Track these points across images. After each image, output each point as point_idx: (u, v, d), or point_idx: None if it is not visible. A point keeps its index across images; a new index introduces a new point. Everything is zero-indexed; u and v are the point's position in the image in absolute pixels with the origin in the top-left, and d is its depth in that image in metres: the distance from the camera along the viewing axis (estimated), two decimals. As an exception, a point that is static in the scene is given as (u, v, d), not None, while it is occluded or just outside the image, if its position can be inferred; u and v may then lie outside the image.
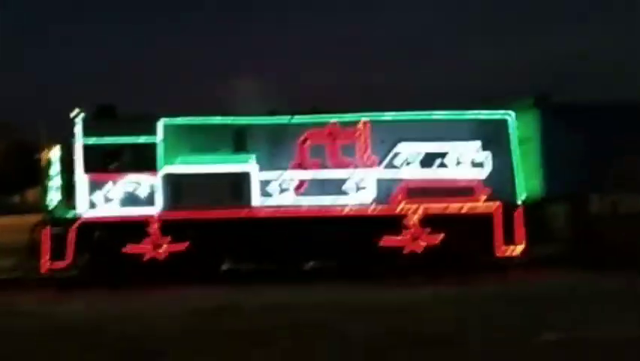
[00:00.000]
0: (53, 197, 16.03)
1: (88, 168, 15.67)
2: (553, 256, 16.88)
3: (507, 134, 16.70)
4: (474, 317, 10.36)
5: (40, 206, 16.66)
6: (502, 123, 16.76)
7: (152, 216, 15.66)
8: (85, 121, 15.85)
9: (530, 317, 10.21)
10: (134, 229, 15.59)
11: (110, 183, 15.73)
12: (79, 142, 15.76)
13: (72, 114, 15.91)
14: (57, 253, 15.44)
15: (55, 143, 16.63)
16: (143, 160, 15.73)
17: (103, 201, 15.69)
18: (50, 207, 15.95)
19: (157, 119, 16.03)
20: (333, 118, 16.45)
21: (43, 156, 16.29)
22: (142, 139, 15.82)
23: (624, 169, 16.66)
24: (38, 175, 16.24)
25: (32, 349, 8.95)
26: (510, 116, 16.81)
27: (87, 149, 15.71)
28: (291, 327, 9.89)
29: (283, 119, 16.44)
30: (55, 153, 16.26)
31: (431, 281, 14.79)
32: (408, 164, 16.37)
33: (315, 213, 15.92)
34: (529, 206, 16.57)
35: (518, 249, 16.25)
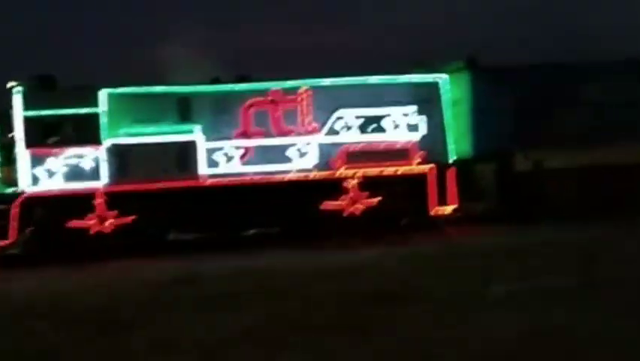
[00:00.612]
0: (-7, 172, 15.74)
1: (29, 142, 15.40)
2: (483, 214, 17.99)
3: (439, 97, 17.44)
4: (423, 275, 11.10)
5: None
6: (435, 86, 17.47)
7: (97, 190, 15.64)
8: (23, 93, 15.49)
9: (474, 271, 11.04)
10: (79, 203, 15.55)
11: (53, 157, 15.56)
12: (18, 115, 15.42)
13: (9, 85, 15.50)
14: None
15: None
16: (85, 132, 15.59)
17: (46, 176, 15.53)
18: (-10, 184, 15.67)
19: (98, 89, 15.85)
20: (275, 85, 16.71)
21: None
22: (84, 110, 15.64)
23: (547, 127, 17.78)
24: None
25: (2, 330, 8.96)
26: (442, 79, 17.52)
27: (27, 122, 15.41)
28: (255, 292, 10.27)
29: (226, 86, 16.57)
30: (-7, 127, 15.88)
31: (371, 243, 15.56)
32: (347, 129, 16.91)
33: (260, 180, 16.30)
34: (460, 166, 17.50)
35: (451, 208, 17.21)
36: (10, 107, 15.63)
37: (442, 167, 17.18)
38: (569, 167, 17.80)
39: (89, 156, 15.68)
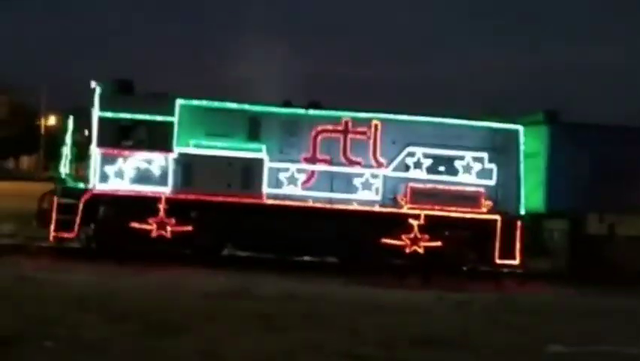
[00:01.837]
0: (64, 167, 16.15)
1: (102, 142, 15.78)
2: (549, 272, 17.24)
3: (515, 147, 16.98)
4: (481, 323, 10.60)
5: (34, 174, 16.75)
6: (512, 135, 17.05)
7: (161, 195, 15.80)
8: (102, 94, 15.95)
9: (535, 327, 10.46)
10: (143, 206, 15.73)
11: (123, 158, 15.87)
12: (95, 115, 15.87)
13: (92, 86, 15.99)
14: (65, 224, 15.55)
15: (68, 113, 16.75)
16: (157, 139, 15.87)
17: (114, 175, 15.83)
18: (61, 177, 16.06)
19: (174, 98, 16.17)
20: (347, 115, 16.66)
21: (43, 123, 16.40)
22: (159, 117, 15.95)
23: (625, 192, 17.02)
24: (36, 142, 16.27)
25: (61, 316, 9.01)
26: (520, 129, 17.10)
27: (103, 122, 15.82)
28: (303, 316, 10.08)
29: (298, 110, 16.64)
30: (69, 123, 16.37)
31: (429, 285, 15.05)
32: (416, 167, 16.63)
33: (321, 207, 16.14)
34: (529, 220, 16.88)
35: (516, 260, 16.55)
36: (88, 106, 16.10)
37: (510, 219, 16.60)
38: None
39: (157, 161, 15.91)
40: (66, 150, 16.29)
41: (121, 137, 15.89)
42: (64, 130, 16.49)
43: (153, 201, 15.78)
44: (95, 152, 15.83)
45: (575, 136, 17.43)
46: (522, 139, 17.05)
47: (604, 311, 12.37)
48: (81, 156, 16.43)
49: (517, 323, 10.80)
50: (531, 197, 17.13)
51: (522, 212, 16.77)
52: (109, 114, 15.84)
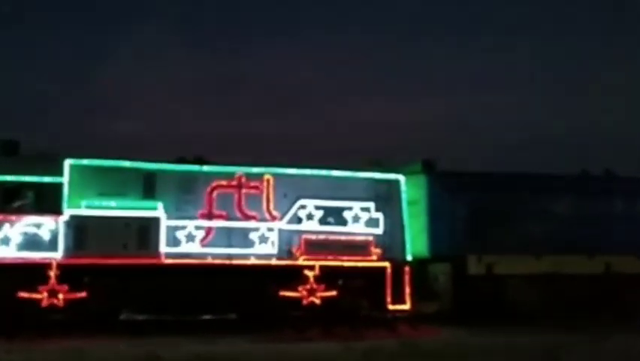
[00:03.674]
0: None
1: (-14, 207, 14.88)
2: (437, 314, 18.15)
3: (398, 196, 17.88)
4: None
5: None
6: (394, 185, 17.96)
7: (52, 261, 15.08)
8: (-16, 156, 15.11)
9: None
10: (32, 273, 14.92)
11: (9, 223, 15.02)
12: (-22, 179, 14.96)
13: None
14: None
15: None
16: (46, 201, 15.20)
17: (0, 242, 14.92)
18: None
19: (62, 158, 15.61)
20: (240, 170, 16.84)
21: None
22: (46, 179, 15.32)
23: (501, 233, 18.39)
24: None
25: None
26: (401, 178, 18.05)
27: (-14, 186, 14.94)
28: None
29: (193, 167, 16.60)
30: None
31: (330, 336, 15.38)
32: (308, 218, 17.05)
33: (221, 263, 16.10)
34: (416, 265, 17.75)
35: (406, 306, 17.29)
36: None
37: (399, 265, 17.38)
38: (519, 273, 18.37)
39: (47, 225, 15.21)
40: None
41: (6, 201, 15.06)
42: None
43: (43, 267, 15.02)
44: (-21, 217, 14.89)
45: (452, 183, 18.68)
46: (404, 188, 18.00)
47: (499, 350, 13.22)
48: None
49: None
50: (415, 243, 18.06)
51: (409, 258, 17.61)
52: (-7, 177, 15.00)
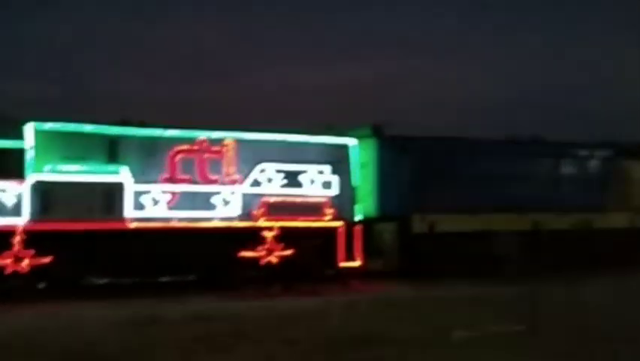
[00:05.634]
0: None
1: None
2: (383, 269, 19.27)
3: (349, 158, 18.65)
4: (382, 320, 11.86)
5: None
6: (346, 148, 18.68)
7: (16, 227, 14.95)
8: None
9: (425, 319, 11.97)
10: (-4, 239, 14.78)
11: (-28, 189, 14.72)
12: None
13: None
14: None
15: None
16: (7, 166, 14.93)
17: (-37, 209, 14.64)
18: None
19: (24, 122, 15.32)
20: (202, 134, 17.04)
21: None
22: (9, 143, 15.02)
23: (443, 194, 19.55)
24: None
25: None
26: (353, 142, 18.78)
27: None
28: (233, 335, 10.47)
29: (156, 131, 16.65)
30: None
31: (293, 293, 16.22)
32: (269, 182, 17.56)
33: (185, 226, 16.42)
34: (365, 224, 18.69)
35: (357, 262, 18.28)
36: None
37: (350, 224, 18.25)
38: (458, 231, 19.68)
39: (10, 190, 14.99)
40: None
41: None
42: None
43: (7, 233, 14.88)
44: (-60, 184, 14.48)
45: (398, 147, 19.58)
46: (354, 151, 18.76)
47: (458, 300, 14.43)
48: None
49: (407, 316, 12.31)
50: (365, 203, 18.97)
51: (359, 218, 18.52)
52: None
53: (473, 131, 21.13)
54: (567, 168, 22.04)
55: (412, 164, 19.60)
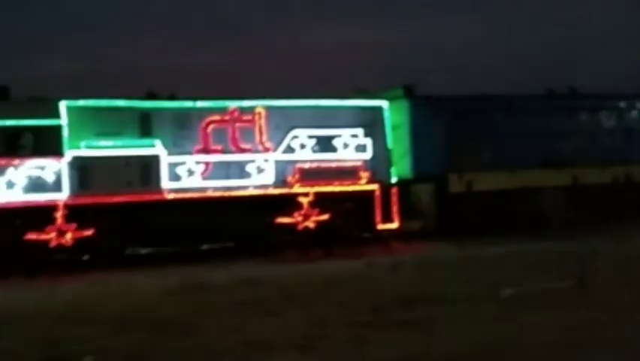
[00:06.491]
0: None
1: (-13, 152, 14.88)
2: (421, 230, 19.24)
3: (383, 121, 18.55)
4: (431, 280, 11.80)
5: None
6: (379, 111, 18.59)
7: (58, 202, 15.33)
8: (-21, 102, 14.99)
9: (472, 278, 11.82)
10: (39, 215, 15.17)
11: (13, 168, 15.11)
12: (-25, 124, 14.88)
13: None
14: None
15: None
16: (46, 144, 15.28)
17: (5, 187, 15.04)
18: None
19: (57, 100, 15.60)
20: (232, 104, 17.14)
21: None
22: (45, 122, 15.34)
23: (479, 152, 19.36)
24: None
25: (65, 332, 8.72)
26: (385, 104, 18.67)
27: (-16, 132, 14.89)
28: (284, 298, 10.58)
29: (187, 103, 16.81)
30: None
31: (330, 256, 16.32)
32: (302, 148, 17.61)
33: (221, 195, 16.61)
34: (401, 186, 18.65)
35: (395, 224, 18.28)
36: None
37: (386, 187, 18.23)
38: (496, 189, 19.49)
39: (50, 167, 15.35)
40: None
41: (7, 146, 15.09)
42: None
43: (50, 209, 15.27)
44: (-19, 163, 14.90)
45: (432, 107, 19.39)
46: (388, 114, 18.65)
47: (502, 258, 14.27)
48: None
49: (453, 276, 12.23)
50: (399, 165, 18.90)
51: (394, 180, 18.47)
52: (-10, 122, 14.93)
53: (507, 87, 20.59)
54: (606, 121, 21.55)
55: (447, 123, 19.41)
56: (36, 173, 15.26)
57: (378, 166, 18.34)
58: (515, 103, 20.34)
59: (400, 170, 18.85)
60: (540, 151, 19.87)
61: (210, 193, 16.55)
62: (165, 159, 16.17)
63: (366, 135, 18.24)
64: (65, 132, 15.48)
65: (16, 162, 15.12)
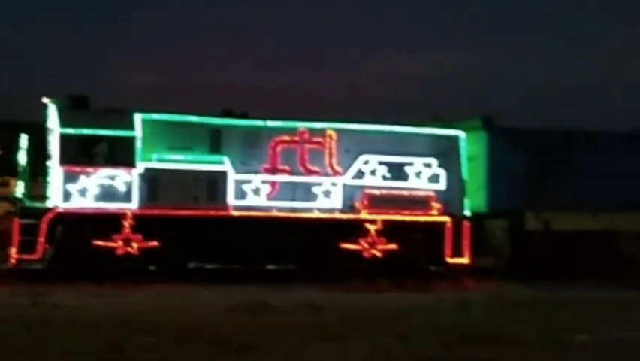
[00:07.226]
0: (21, 186, 15.63)
1: (64, 159, 15.39)
2: (493, 268, 18.46)
3: (458, 152, 18.06)
4: (499, 319, 11.23)
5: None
6: (455, 140, 18.11)
7: (127, 212, 15.62)
8: (60, 110, 15.57)
9: (545, 320, 11.19)
10: (108, 223, 15.50)
11: (86, 175, 15.55)
12: (56, 132, 15.46)
13: (44, 100, 15.59)
14: (27, 245, 15.05)
15: (17, 129, 16.23)
16: (120, 154, 15.68)
17: (78, 193, 15.48)
18: (18, 197, 15.53)
19: (132, 113, 16.03)
20: (303, 125, 17.12)
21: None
22: (120, 132, 15.77)
23: (558, 190, 18.53)
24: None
25: (128, 341, 8.80)
26: (461, 134, 18.19)
27: (64, 139, 15.43)
28: (344, 324, 10.31)
29: (257, 122, 16.93)
30: (22, 141, 15.86)
31: (398, 287, 15.74)
32: (372, 173, 17.33)
33: (286, 216, 16.52)
34: (474, 220, 18.00)
35: (465, 259, 17.62)
36: (43, 122, 15.69)
37: (458, 220, 17.64)
38: (576, 230, 18.53)
39: (121, 177, 15.71)
40: (21, 169, 15.75)
41: (83, 153, 15.58)
42: (17, 148, 15.91)
43: (118, 217, 15.58)
44: (58, 169, 15.41)
45: (511, 140, 18.76)
46: (464, 144, 18.16)
47: (579, 302, 13.39)
48: (36, 173, 15.94)
49: (525, 317, 11.56)
50: (473, 198, 18.29)
51: (467, 213, 17.87)
52: (70, 131, 15.46)
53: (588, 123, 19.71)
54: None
55: (526, 158, 18.71)
56: (108, 182, 15.64)
57: (451, 198, 17.81)
58: (600, 140, 19.42)
59: (473, 203, 18.22)
60: (623, 192, 18.79)
61: (275, 213, 16.48)
62: (232, 176, 16.26)
63: (440, 165, 17.79)
64: (138, 144, 15.83)
65: (90, 170, 15.56)
